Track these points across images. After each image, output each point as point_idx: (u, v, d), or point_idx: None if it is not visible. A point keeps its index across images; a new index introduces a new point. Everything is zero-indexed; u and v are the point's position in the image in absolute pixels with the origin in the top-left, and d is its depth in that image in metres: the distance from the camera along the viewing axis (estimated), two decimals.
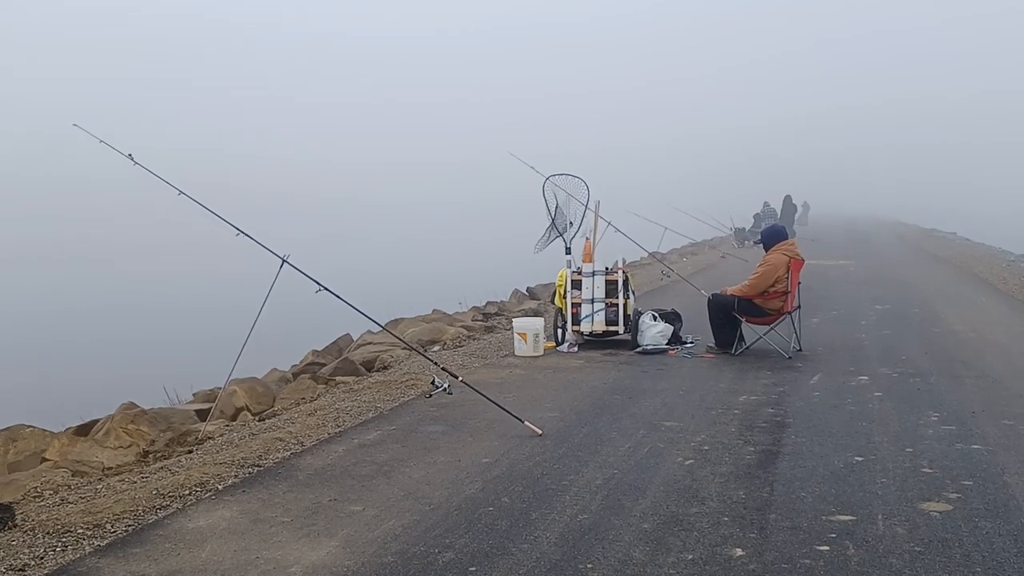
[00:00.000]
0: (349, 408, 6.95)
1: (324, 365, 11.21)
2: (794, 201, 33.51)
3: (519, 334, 9.21)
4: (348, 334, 13.74)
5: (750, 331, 9.04)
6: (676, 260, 26.02)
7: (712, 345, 9.17)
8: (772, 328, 8.97)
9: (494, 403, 6.02)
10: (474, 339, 11.39)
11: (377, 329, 13.93)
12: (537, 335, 9.17)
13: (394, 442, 5.77)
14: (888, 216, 65.78)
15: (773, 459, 5.20)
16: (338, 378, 9.42)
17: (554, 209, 9.83)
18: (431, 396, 6.23)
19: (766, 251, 9.06)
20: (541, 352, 9.20)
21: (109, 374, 15.49)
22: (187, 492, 4.86)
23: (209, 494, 4.82)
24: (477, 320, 13.40)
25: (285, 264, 6.44)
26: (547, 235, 9.90)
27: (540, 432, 5.82)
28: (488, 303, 17.91)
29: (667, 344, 9.36)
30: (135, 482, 5.26)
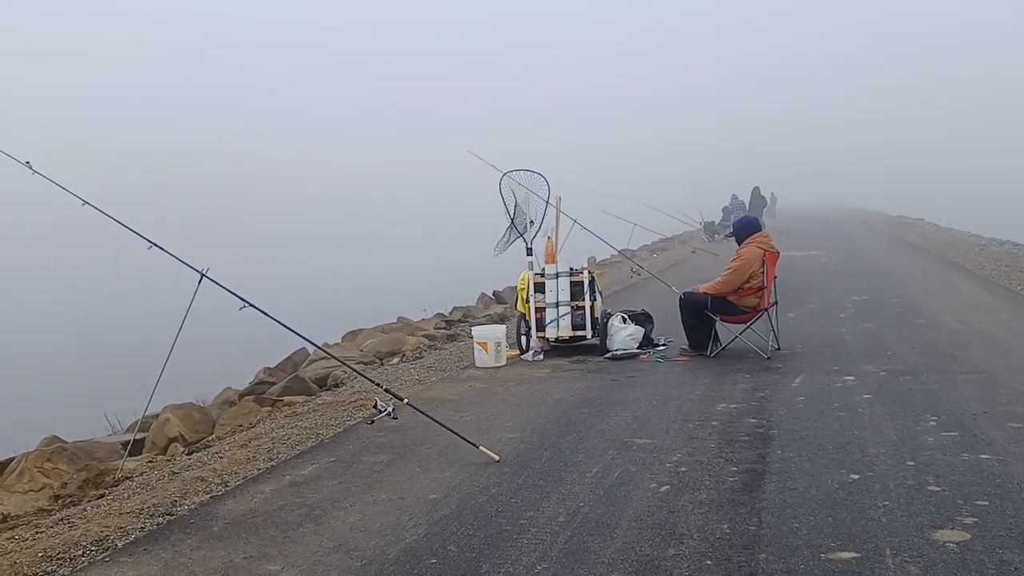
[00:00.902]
0: (287, 436, 6.24)
1: (274, 384, 10.46)
2: (762, 193, 33.20)
3: (479, 344, 8.55)
4: (304, 348, 12.97)
5: (725, 331, 8.45)
6: (646, 257, 25.51)
7: (686, 347, 8.57)
8: (748, 327, 8.38)
9: (445, 427, 5.35)
10: (435, 349, 10.72)
11: (333, 342, 13.25)
12: (499, 344, 8.51)
13: (331, 477, 5.08)
14: (854, 205, 65.99)
15: (759, 480, 4.58)
16: (287, 398, 8.70)
17: (513, 208, 9.17)
18: (373, 423, 5.55)
19: (739, 244, 8.48)
20: (504, 362, 8.54)
21: (40, 403, 14.54)
22: (80, 553, 4.13)
23: (105, 555, 4.10)
24: (440, 328, 12.72)
25: (206, 279, 5.70)
26: (507, 236, 9.24)
27: (497, 458, 5.17)
28: (454, 308, 17.23)
29: (638, 348, 8.74)
30: (26, 539, 4.52)
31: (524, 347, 9.02)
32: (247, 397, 9.32)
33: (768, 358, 7.99)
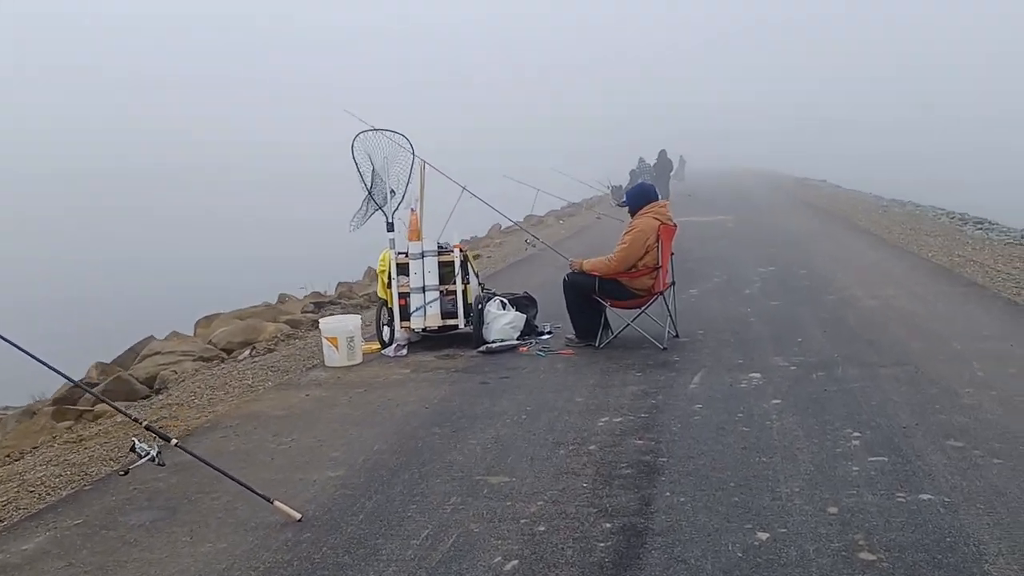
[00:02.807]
0: (42, 478, 4.77)
1: (98, 384, 8.84)
2: (669, 156, 32.43)
3: (327, 339, 7.16)
4: (152, 336, 11.31)
5: (617, 317, 7.30)
6: (552, 224, 24.43)
7: (572, 337, 7.38)
8: (643, 312, 7.25)
9: (228, 476, 3.98)
10: (296, 338, 9.29)
11: (186, 330, 11.62)
12: (351, 339, 7.14)
13: (61, 556, 3.67)
14: (761, 167, 66.53)
15: (637, 547, 3.40)
16: (98, 407, 7.16)
17: (370, 175, 7.75)
18: (127, 472, 4.13)
19: (632, 215, 7.30)
20: (359, 359, 7.19)
21: None
22: None
23: None
24: (307, 312, 11.23)
25: None
26: (364, 208, 7.83)
27: (298, 516, 3.85)
28: (340, 283, 15.73)
29: (518, 338, 7.52)
30: None
31: (387, 339, 7.68)
32: (53, 406, 7.73)
33: (664, 348, 6.88)
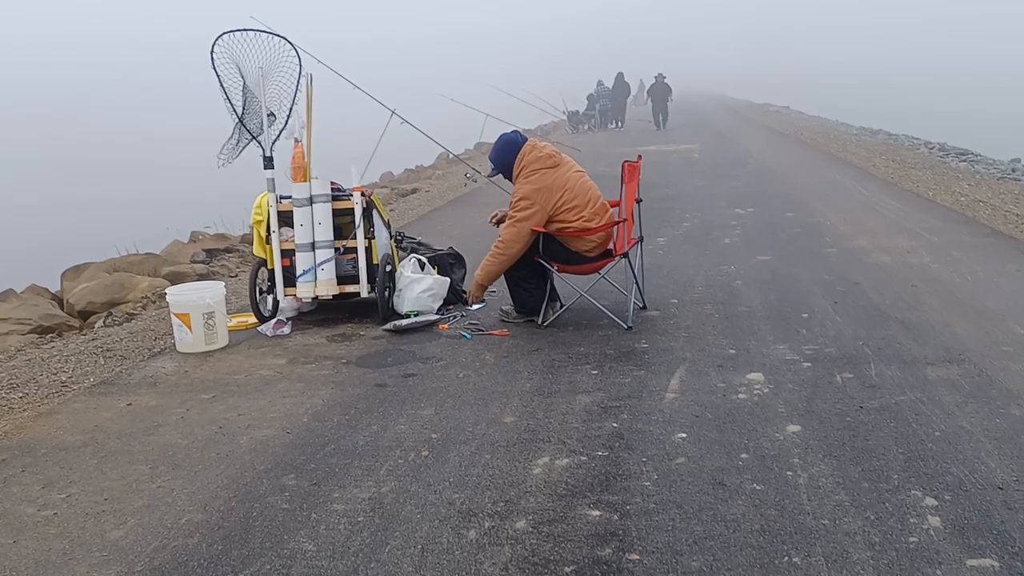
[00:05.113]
0: None
1: None
2: (626, 79, 30.34)
3: (177, 317, 5.31)
4: (11, 289, 9.30)
5: (566, 285, 5.57)
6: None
7: (509, 310, 5.62)
8: (601, 277, 5.53)
9: None
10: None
11: (47, 283, 9.60)
12: (210, 315, 5.30)
13: None
14: (714, 91, 64.46)
15: None
16: None
17: (241, 93, 5.78)
18: None
19: (511, 179, 5.44)
20: (222, 341, 5.37)
21: None
22: None
23: None
24: (197, 260, 9.29)
25: None
26: (235, 136, 5.88)
27: None
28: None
29: (438, 312, 5.75)
30: None
31: (266, 312, 5.86)
32: None
33: (629, 328, 5.17)
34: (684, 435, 3.61)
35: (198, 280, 8.22)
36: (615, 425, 3.75)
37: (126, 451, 3.79)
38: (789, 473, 3.20)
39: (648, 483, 3.19)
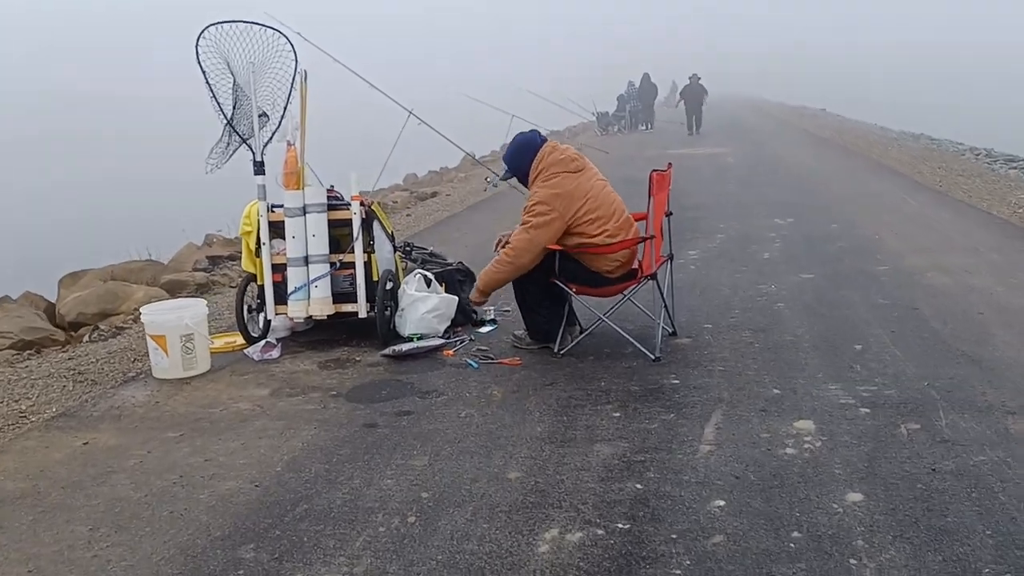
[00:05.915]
0: None
1: None
2: (653, 80, 29.58)
3: (153, 339, 4.78)
4: (7, 296, 8.88)
5: (585, 308, 4.97)
6: None
7: (522, 335, 5.03)
8: (625, 300, 4.92)
9: None
10: None
11: (42, 290, 9.16)
12: (189, 337, 4.77)
13: None
14: (749, 94, 63.29)
15: None
16: None
17: (231, 92, 5.26)
18: None
19: (526, 184, 4.86)
20: (202, 367, 4.84)
21: None
22: None
23: None
24: (200, 268, 8.80)
25: None
26: (225, 139, 5.36)
27: None
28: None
29: (444, 335, 5.18)
30: None
31: (256, 332, 5.32)
32: None
33: (657, 359, 4.56)
34: (722, 503, 3.00)
35: (195, 291, 7.76)
36: (639, 487, 3.15)
37: (67, 506, 3.25)
38: (853, 562, 2.59)
39: (679, 571, 2.58)
